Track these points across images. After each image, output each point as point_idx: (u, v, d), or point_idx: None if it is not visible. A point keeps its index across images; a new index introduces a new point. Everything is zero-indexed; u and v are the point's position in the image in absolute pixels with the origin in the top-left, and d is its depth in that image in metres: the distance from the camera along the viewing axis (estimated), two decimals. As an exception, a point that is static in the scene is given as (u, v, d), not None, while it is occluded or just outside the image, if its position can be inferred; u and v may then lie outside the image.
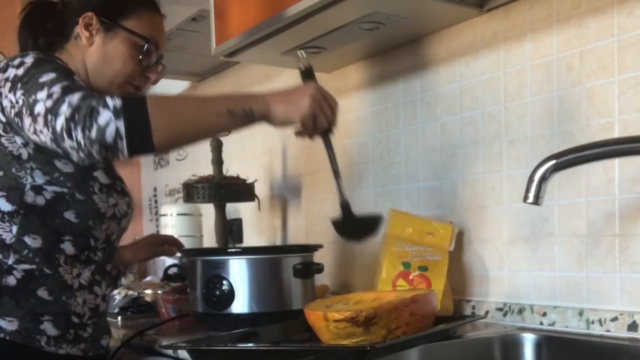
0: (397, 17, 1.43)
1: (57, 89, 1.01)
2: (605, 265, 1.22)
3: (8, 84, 1.08)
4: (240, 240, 2.30)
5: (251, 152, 2.28)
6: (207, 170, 1.98)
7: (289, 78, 2.08)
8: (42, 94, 1.02)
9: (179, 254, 1.70)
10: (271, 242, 2.17)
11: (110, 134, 0.97)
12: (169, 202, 2.80)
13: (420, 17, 1.45)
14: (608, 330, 1.19)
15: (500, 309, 1.40)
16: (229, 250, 1.72)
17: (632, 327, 1.15)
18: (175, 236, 2.23)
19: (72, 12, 1.25)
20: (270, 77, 2.17)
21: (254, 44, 1.59)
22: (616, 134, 1.20)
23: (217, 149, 1.98)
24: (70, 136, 0.97)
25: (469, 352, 1.17)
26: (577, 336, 1.19)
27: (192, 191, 1.89)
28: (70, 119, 0.97)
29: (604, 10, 1.22)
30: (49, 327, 1.12)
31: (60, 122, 0.98)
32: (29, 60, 1.10)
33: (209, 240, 2.25)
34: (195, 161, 2.62)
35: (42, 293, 1.13)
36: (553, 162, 1.01)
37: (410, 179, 1.64)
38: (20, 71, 1.08)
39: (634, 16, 1.18)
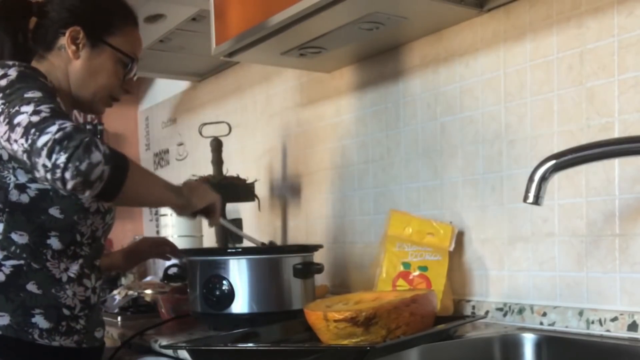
0: (397, 17, 1.43)
1: (45, 109, 1.03)
2: (605, 265, 1.22)
3: None
4: (240, 240, 2.29)
5: (251, 152, 2.28)
6: (207, 170, 1.98)
7: (289, 78, 2.08)
8: (27, 108, 1.03)
9: (176, 260, 1.69)
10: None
11: (96, 173, 1.01)
12: (169, 202, 2.79)
13: (420, 17, 1.45)
14: (608, 330, 1.19)
15: (500, 309, 1.40)
16: (229, 250, 1.71)
17: (632, 327, 1.15)
18: (175, 236, 2.25)
19: (53, 22, 1.25)
20: (270, 77, 2.18)
21: (254, 44, 1.59)
22: (616, 134, 1.20)
23: (217, 149, 1.98)
24: (49, 156, 0.98)
25: (469, 352, 1.17)
26: (577, 336, 1.19)
27: (192, 191, 1.88)
28: (57, 142, 0.98)
29: (604, 10, 1.22)
30: (40, 320, 1.15)
31: (44, 140, 0.99)
32: (12, 73, 1.11)
33: (209, 240, 2.25)
34: (195, 161, 2.62)
35: (32, 287, 1.15)
36: (553, 162, 1.01)
37: (410, 179, 1.64)
38: (4, 82, 1.09)
39: (634, 16, 1.18)
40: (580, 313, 1.24)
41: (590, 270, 1.24)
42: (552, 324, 1.29)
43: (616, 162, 1.20)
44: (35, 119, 1.01)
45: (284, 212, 2.12)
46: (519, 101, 1.37)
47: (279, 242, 2.13)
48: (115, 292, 1.89)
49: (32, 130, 1.00)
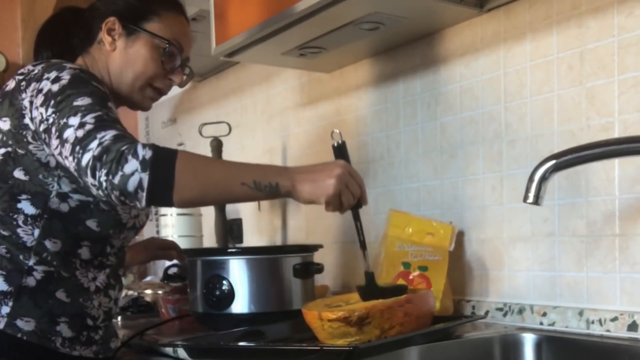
0: (398, 17, 1.43)
1: (90, 119, 1.01)
2: (605, 265, 1.22)
3: (41, 97, 1.07)
4: (240, 240, 2.30)
5: (251, 152, 2.28)
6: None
7: (289, 78, 2.08)
8: (74, 120, 1.02)
9: (176, 261, 1.69)
10: (271, 242, 2.17)
11: (132, 183, 0.96)
12: (169, 202, 2.79)
13: (420, 17, 1.45)
14: (608, 330, 1.19)
15: (500, 309, 1.40)
16: (229, 250, 1.71)
17: (632, 327, 1.15)
18: (175, 236, 2.25)
19: (97, 18, 1.25)
20: (270, 77, 2.18)
21: (254, 44, 1.59)
22: (616, 134, 1.20)
23: (217, 149, 1.98)
24: (93, 175, 0.98)
25: (469, 352, 1.17)
26: (577, 336, 1.19)
27: (192, 191, 1.88)
28: (97, 159, 0.97)
29: (604, 10, 1.22)
30: (64, 329, 1.12)
31: (86, 159, 0.98)
32: (65, 76, 1.09)
33: (209, 240, 2.25)
34: (195, 161, 2.61)
35: (60, 295, 1.13)
36: (553, 162, 1.01)
37: (410, 179, 1.64)
38: (55, 87, 1.07)
39: (634, 16, 1.18)
40: (580, 313, 1.24)
41: (590, 270, 1.24)
42: (552, 324, 1.29)
43: (616, 162, 1.20)
44: (80, 133, 1.00)
45: (284, 212, 2.12)
46: (519, 101, 1.38)
47: (278, 242, 2.13)
48: (121, 295, 1.89)
49: (77, 149, 0.99)
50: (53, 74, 1.10)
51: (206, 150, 2.00)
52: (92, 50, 1.26)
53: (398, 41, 1.62)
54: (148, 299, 1.89)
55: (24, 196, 1.12)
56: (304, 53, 1.66)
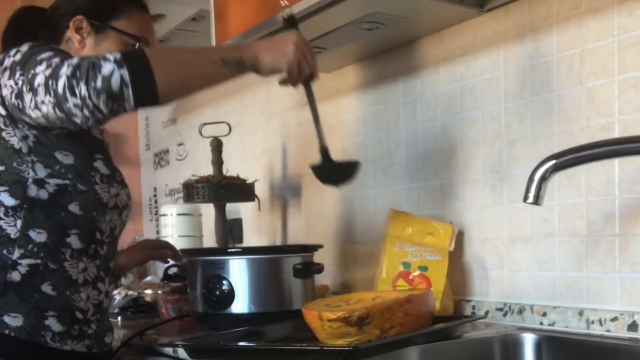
0: (397, 17, 1.43)
1: (56, 60, 1.02)
2: (605, 265, 1.22)
3: (7, 72, 1.09)
4: (240, 240, 2.30)
5: (251, 152, 2.28)
6: (207, 170, 1.98)
7: (289, 78, 2.08)
8: (40, 67, 1.03)
9: (171, 261, 1.69)
10: (271, 242, 2.17)
11: (115, 81, 0.97)
12: (169, 202, 2.80)
13: (420, 17, 1.45)
14: (608, 330, 1.19)
15: (500, 309, 1.40)
16: (229, 250, 1.72)
17: (632, 327, 1.15)
18: (175, 236, 2.25)
19: (61, 17, 1.27)
20: (270, 77, 2.17)
21: (254, 44, 1.59)
22: (616, 134, 1.20)
23: (217, 149, 1.98)
24: (73, 93, 0.97)
25: (469, 352, 1.17)
26: (577, 336, 1.19)
27: (192, 191, 1.89)
28: (71, 77, 0.98)
29: (604, 10, 1.22)
30: (53, 323, 1.13)
31: (61, 82, 0.98)
32: (24, 47, 1.11)
33: (209, 240, 2.25)
34: (195, 161, 2.62)
35: (47, 288, 1.13)
36: (553, 162, 1.01)
37: (410, 179, 1.64)
38: (18, 57, 1.09)
39: (634, 16, 1.18)
40: (580, 313, 1.24)
41: (590, 270, 1.24)
42: (552, 324, 1.29)
43: (616, 162, 1.20)
44: (48, 72, 1.00)
45: (284, 212, 2.12)
46: (519, 101, 1.37)
47: (278, 242, 2.13)
48: (115, 292, 1.89)
49: (50, 82, 0.99)
50: (13, 51, 1.11)
51: (206, 150, 2.00)
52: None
53: (398, 41, 1.62)
54: (148, 299, 1.89)
55: (2, 187, 1.12)
56: (304, 53, 1.66)
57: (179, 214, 2.29)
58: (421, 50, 1.60)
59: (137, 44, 1.27)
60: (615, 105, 1.20)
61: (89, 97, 0.97)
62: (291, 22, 1.26)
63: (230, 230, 2.18)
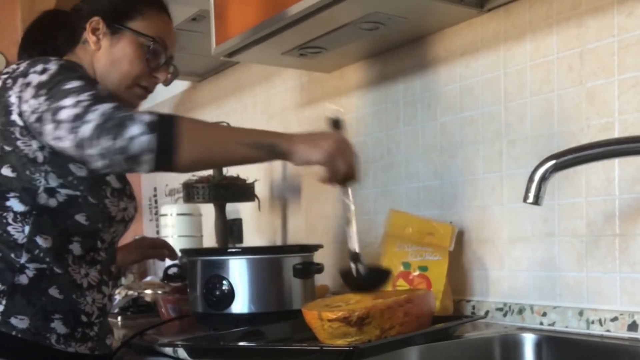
0: (397, 17, 1.43)
1: (85, 97, 1.02)
2: (605, 265, 1.22)
3: (30, 90, 1.08)
4: (240, 240, 2.30)
5: (251, 152, 2.27)
6: (207, 170, 1.98)
7: (289, 78, 2.08)
8: (68, 101, 1.02)
9: (169, 261, 1.69)
10: (271, 242, 2.17)
11: (137, 146, 0.98)
12: (169, 202, 2.80)
13: (420, 17, 1.45)
14: (608, 330, 1.19)
15: (500, 309, 1.40)
16: (229, 250, 1.71)
17: (632, 327, 1.15)
18: (175, 236, 2.25)
19: (80, 19, 1.26)
20: (270, 77, 2.18)
21: (254, 44, 1.59)
22: (616, 134, 1.20)
23: (217, 149, 1.97)
24: (97, 143, 0.98)
25: (469, 352, 1.17)
26: (577, 336, 1.19)
27: (192, 191, 1.89)
28: (99, 127, 0.98)
29: (604, 10, 1.22)
30: (59, 326, 1.13)
31: (88, 128, 0.99)
32: (52, 67, 1.10)
33: (209, 240, 2.25)
34: (195, 161, 2.61)
35: (53, 292, 1.13)
36: (553, 162, 1.01)
37: (410, 179, 1.64)
38: (44, 77, 1.08)
39: (634, 16, 1.18)
40: (580, 313, 1.24)
41: (590, 270, 1.24)
42: (552, 324, 1.29)
43: (616, 162, 1.20)
44: (77, 110, 1.01)
45: (284, 212, 2.12)
46: (519, 101, 1.37)
47: (278, 242, 2.13)
48: (115, 292, 1.89)
49: (76, 123, 1.00)
50: (39, 67, 1.11)
51: (206, 150, 1.99)
52: (77, 50, 1.27)
53: (398, 41, 1.62)
54: (148, 299, 1.89)
55: (12, 194, 1.12)
56: (304, 53, 1.66)
57: (179, 214, 2.29)
58: (421, 50, 1.60)
59: (153, 46, 1.26)
60: (615, 105, 1.20)
61: (111, 152, 0.98)
62: (337, 125, 1.21)
63: (230, 230, 2.18)
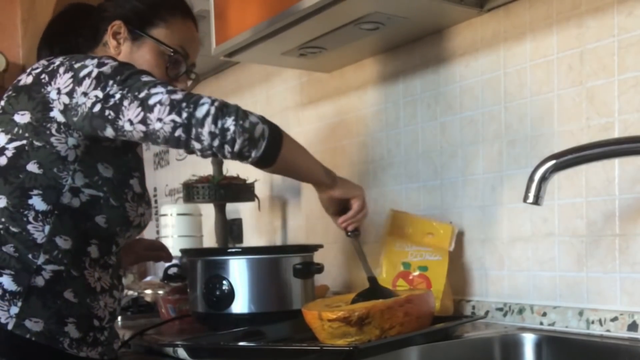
0: (398, 17, 1.43)
1: (173, 88, 1.07)
2: (605, 265, 1.22)
3: (88, 81, 1.08)
4: (240, 240, 2.30)
5: (251, 152, 2.27)
6: (207, 170, 1.98)
7: (289, 78, 2.08)
8: (159, 89, 1.06)
9: (165, 263, 1.69)
10: (271, 242, 2.17)
11: (258, 131, 1.08)
12: (169, 202, 2.80)
13: (421, 17, 1.45)
14: (608, 330, 1.19)
15: (500, 309, 1.40)
16: (229, 250, 1.72)
17: (632, 327, 1.15)
18: (175, 236, 2.25)
19: (103, 20, 1.25)
20: (270, 77, 2.18)
21: (254, 44, 1.59)
22: (616, 134, 1.20)
23: (217, 149, 1.97)
24: (215, 122, 1.04)
25: (469, 352, 1.17)
26: (577, 336, 1.19)
27: (192, 191, 1.89)
28: (219, 109, 1.05)
29: (604, 10, 1.22)
30: (72, 330, 1.12)
31: (204, 110, 1.04)
32: (108, 61, 1.11)
33: (209, 240, 2.25)
34: (195, 161, 2.62)
35: (68, 295, 1.12)
36: (553, 162, 1.01)
37: (410, 179, 1.64)
38: (107, 69, 1.08)
39: (634, 16, 1.18)
40: (580, 313, 1.24)
41: (590, 270, 1.25)
42: (552, 324, 1.29)
43: (616, 162, 1.20)
44: (178, 96, 1.05)
45: (284, 212, 2.12)
46: (519, 101, 1.38)
47: (278, 242, 2.13)
48: (123, 295, 1.89)
49: (183, 105, 1.04)
50: (93, 61, 1.10)
51: (206, 150, 1.99)
52: (97, 51, 1.26)
53: (398, 41, 1.62)
54: (148, 299, 1.89)
55: (35, 191, 1.10)
56: (304, 53, 1.66)
57: (179, 214, 2.29)
58: (421, 50, 1.60)
59: (175, 56, 1.26)
60: (615, 105, 1.20)
61: (233, 131, 1.05)
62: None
63: (230, 230, 2.18)
